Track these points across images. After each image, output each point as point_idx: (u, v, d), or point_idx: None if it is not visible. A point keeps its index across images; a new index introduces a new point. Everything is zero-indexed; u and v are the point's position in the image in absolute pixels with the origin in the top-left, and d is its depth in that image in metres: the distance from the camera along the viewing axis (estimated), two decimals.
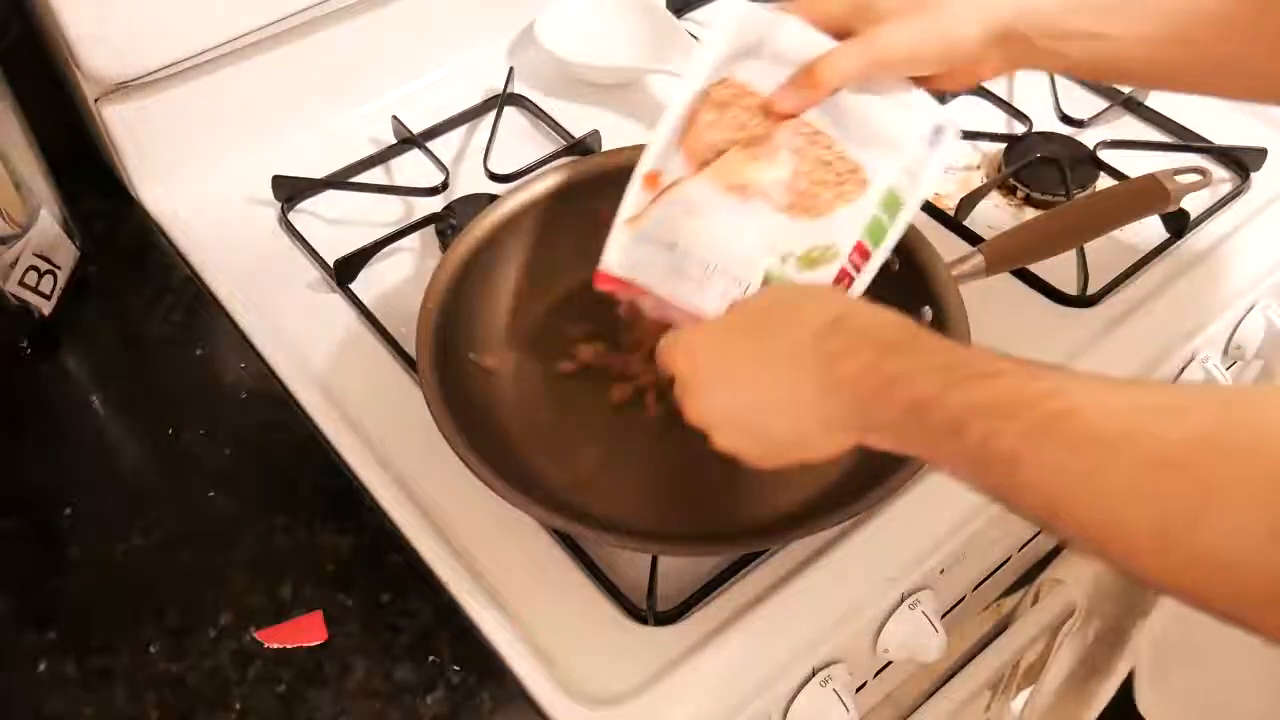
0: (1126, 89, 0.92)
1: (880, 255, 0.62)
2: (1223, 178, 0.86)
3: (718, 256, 0.60)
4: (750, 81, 0.61)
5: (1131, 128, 0.91)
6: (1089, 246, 0.78)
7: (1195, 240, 0.82)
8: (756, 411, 0.52)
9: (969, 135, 0.90)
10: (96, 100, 0.81)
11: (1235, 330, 0.81)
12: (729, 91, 0.61)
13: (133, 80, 0.79)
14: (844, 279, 0.60)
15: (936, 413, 0.44)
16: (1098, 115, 0.90)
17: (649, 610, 0.61)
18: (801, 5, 0.60)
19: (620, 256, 0.62)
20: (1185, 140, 0.89)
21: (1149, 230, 0.81)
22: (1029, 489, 0.41)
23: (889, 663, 0.69)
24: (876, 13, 0.58)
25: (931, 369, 0.45)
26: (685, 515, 0.66)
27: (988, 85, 0.94)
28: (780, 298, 0.55)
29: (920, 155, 0.61)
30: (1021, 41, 0.58)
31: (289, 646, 0.61)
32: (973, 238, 0.81)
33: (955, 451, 0.44)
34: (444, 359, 0.66)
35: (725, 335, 0.54)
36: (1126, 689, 0.86)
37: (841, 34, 0.59)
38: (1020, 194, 0.86)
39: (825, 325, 0.49)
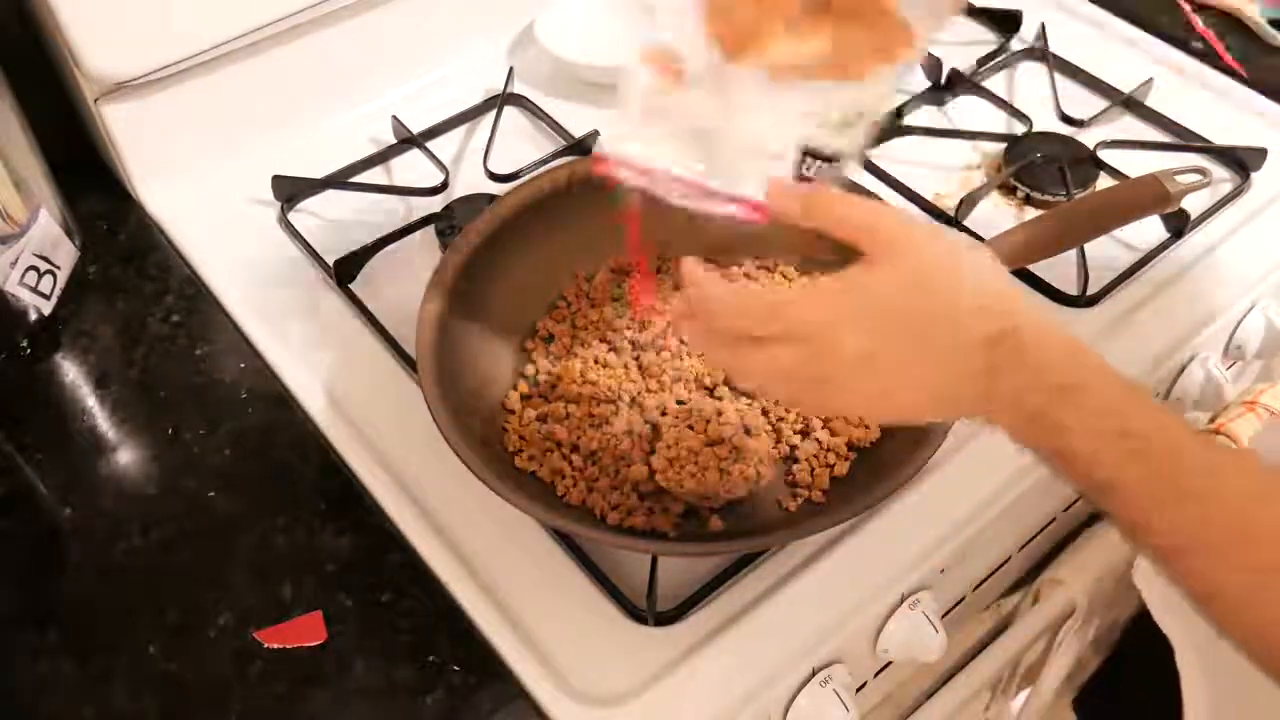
0: (1126, 89, 0.92)
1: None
2: (1223, 178, 0.86)
3: (753, 143, 0.56)
4: None
5: (1131, 128, 0.91)
6: (1089, 246, 0.78)
7: (1195, 240, 0.82)
8: (893, 388, 0.48)
9: (969, 135, 0.90)
10: (96, 100, 0.81)
11: (1235, 330, 0.81)
12: None
13: (133, 80, 0.79)
14: None
15: (1097, 472, 0.43)
16: (1098, 115, 0.90)
17: (649, 610, 0.61)
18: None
19: (638, 144, 0.56)
20: (1185, 140, 0.89)
21: (1149, 230, 0.81)
22: (1184, 575, 0.42)
23: (889, 663, 0.69)
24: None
25: (1099, 432, 0.43)
26: (685, 514, 0.66)
27: (987, 85, 0.94)
28: (950, 276, 0.48)
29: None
30: None
31: (289, 646, 0.61)
32: (973, 238, 0.81)
33: (1103, 503, 0.44)
34: (444, 359, 0.66)
35: (881, 291, 0.48)
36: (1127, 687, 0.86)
37: None
38: (1020, 194, 0.86)
39: (993, 336, 0.46)
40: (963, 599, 0.76)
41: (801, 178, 0.56)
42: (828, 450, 0.68)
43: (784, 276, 0.76)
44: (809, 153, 0.56)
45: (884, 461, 0.64)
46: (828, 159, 0.56)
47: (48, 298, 0.76)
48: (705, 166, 0.56)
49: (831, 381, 0.48)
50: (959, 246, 0.50)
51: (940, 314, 0.47)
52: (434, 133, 0.90)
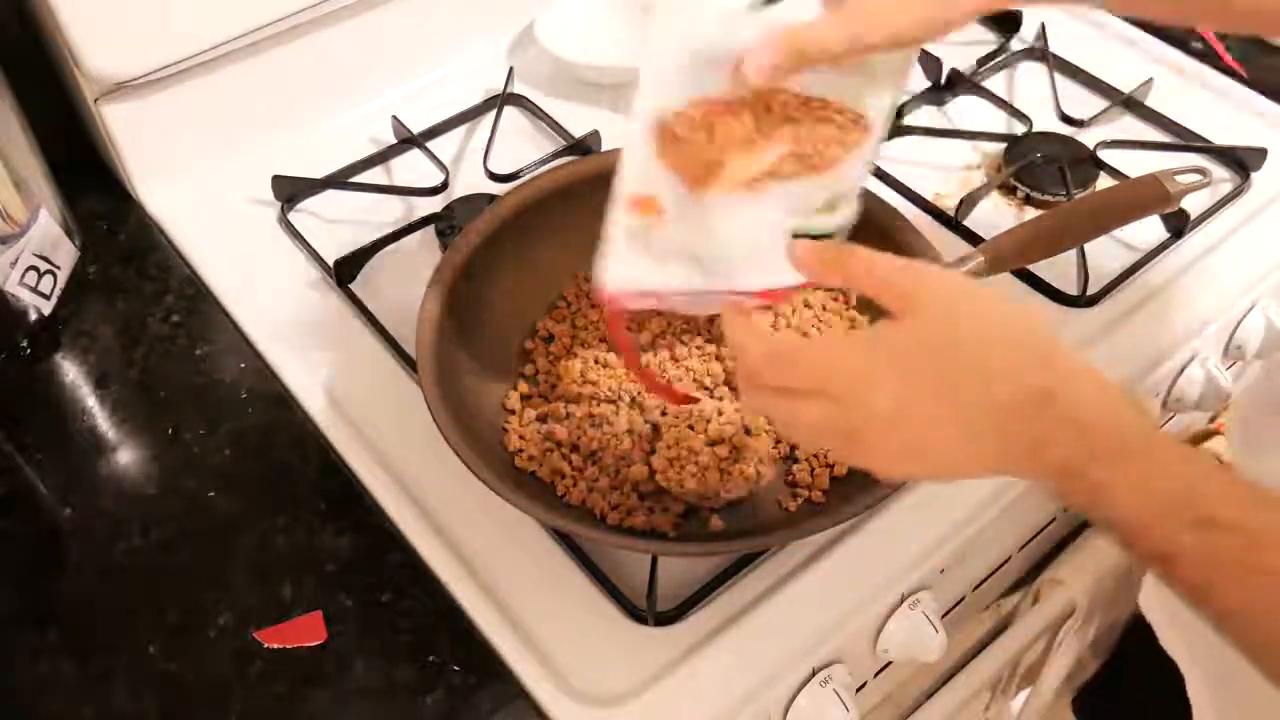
0: (1126, 89, 0.92)
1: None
2: (1223, 178, 0.86)
3: (747, 248, 0.57)
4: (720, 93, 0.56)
5: (1131, 128, 0.91)
6: (1089, 246, 0.78)
7: (1195, 240, 0.82)
8: (923, 445, 0.47)
9: (969, 135, 0.90)
10: (96, 100, 0.81)
11: (1235, 330, 0.81)
12: (700, 110, 0.56)
13: (133, 80, 0.79)
14: None
15: (1144, 541, 0.42)
16: (1098, 115, 0.90)
17: (649, 610, 0.61)
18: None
19: (636, 274, 0.58)
20: (1185, 140, 0.89)
21: (1149, 230, 0.81)
22: (1247, 646, 0.41)
23: (889, 663, 0.69)
24: None
25: (1145, 494, 0.42)
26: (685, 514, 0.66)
27: (987, 85, 0.94)
28: (988, 332, 0.47)
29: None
30: None
31: (289, 646, 0.61)
32: (973, 238, 0.81)
33: (1155, 570, 0.43)
34: (444, 359, 0.66)
35: (917, 349, 0.47)
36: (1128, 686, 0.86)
37: None
38: (1020, 194, 0.86)
39: (1037, 397, 0.44)
40: (963, 599, 0.76)
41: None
42: (828, 450, 0.68)
43: (824, 312, 0.75)
44: (800, 235, 0.56)
45: None
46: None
47: (48, 298, 0.76)
48: (705, 278, 0.57)
49: (861, 437, 0.48)
50: (994, 302, 0.48)
51: (972, 372, 0.46)
52: (434, 133, 0.90)
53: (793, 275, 0.56)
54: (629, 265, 0.57)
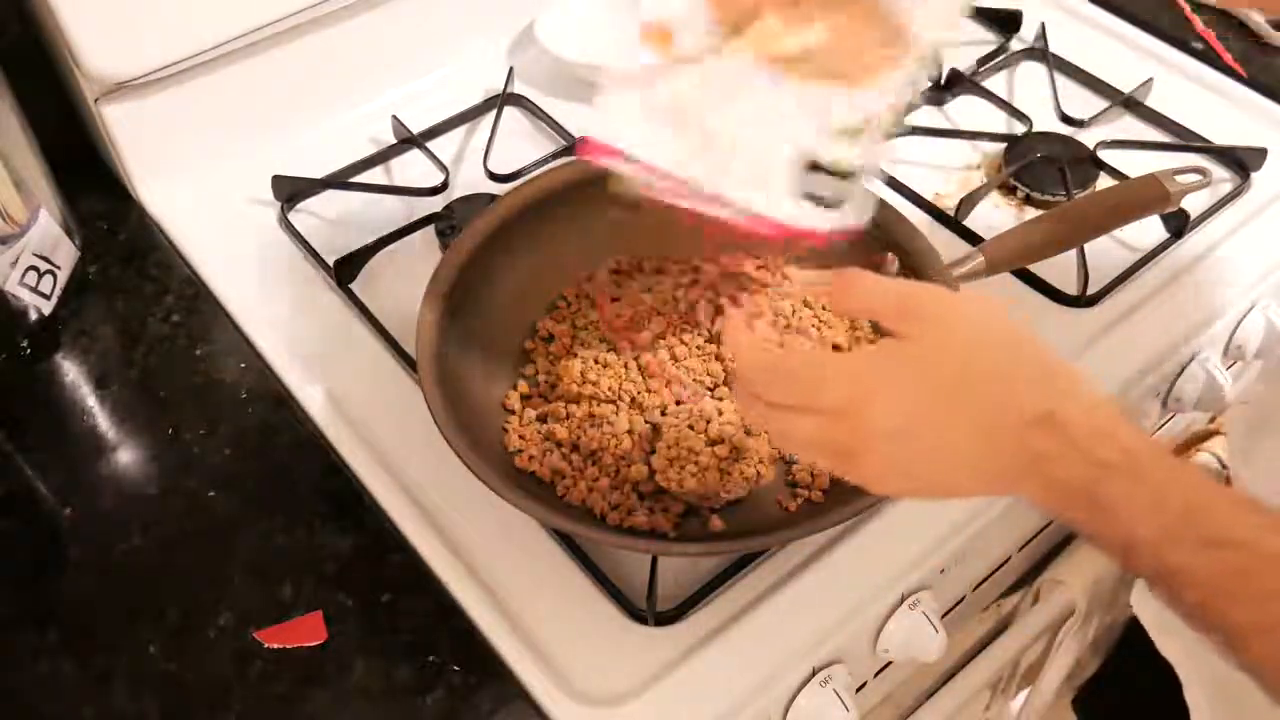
0: (1126, 89, 0.92)
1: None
2: (1223, 178, 0.86)
3: (745, 139, 0.53)
4: None
5: (1131, 128, 0.91)
6: (1089, 246, 0.78)
7: (1195, 240, 0.82)
8: (922, 465, 0.47)
9: (969, 135, 0.90)
10: (96, 100, 0.81)
11: (1235, 330, 0.81)
12: None
13: (133, 80, 0.79)
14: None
15: (1148, 559, 0.42)
16: (1098, 115, 0.90)
17: (649, 610, 0.61)
18: None
19: (621, 126, 0.53)
20: (1185, 140, 0.89)
21: (1149, 230, 0.81)
22: (1247, 664, 0.41)
23: (889, 663, 0.69)
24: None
25: (1151, 512, 0.42)
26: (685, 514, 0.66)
27: (987, 85, 0.94)
28: (981, 362, 0.47)
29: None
30: None
31: (289, 646, 0.61)
32: (973, 238, 0.81)
33: (1157, 590, 0.43)
34: (444, 359, 0.66)
35: (915, 368, 0.47)
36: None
37: None
38: (1020, 194, 0.86)
39: (1037, 417, 0.44)
40: (963, 599, 0.76)
41: (811, 197, 0.54)
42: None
43: (824, 311, 0.74)
44: (815, 166, 0.53)
45: None
46: (837, 174, 0.54)
47: (48, 298, 0.76)
48: (693, 164, 0.53)
49: (856, 455, 0.47)
50: (993, 321, 0.48)
51: (974, 395, 0.46)
52: (434, 133, 0.90)
53: (787, 214, 0.52)
54: (616, 112, 0.53)
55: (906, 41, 0.53)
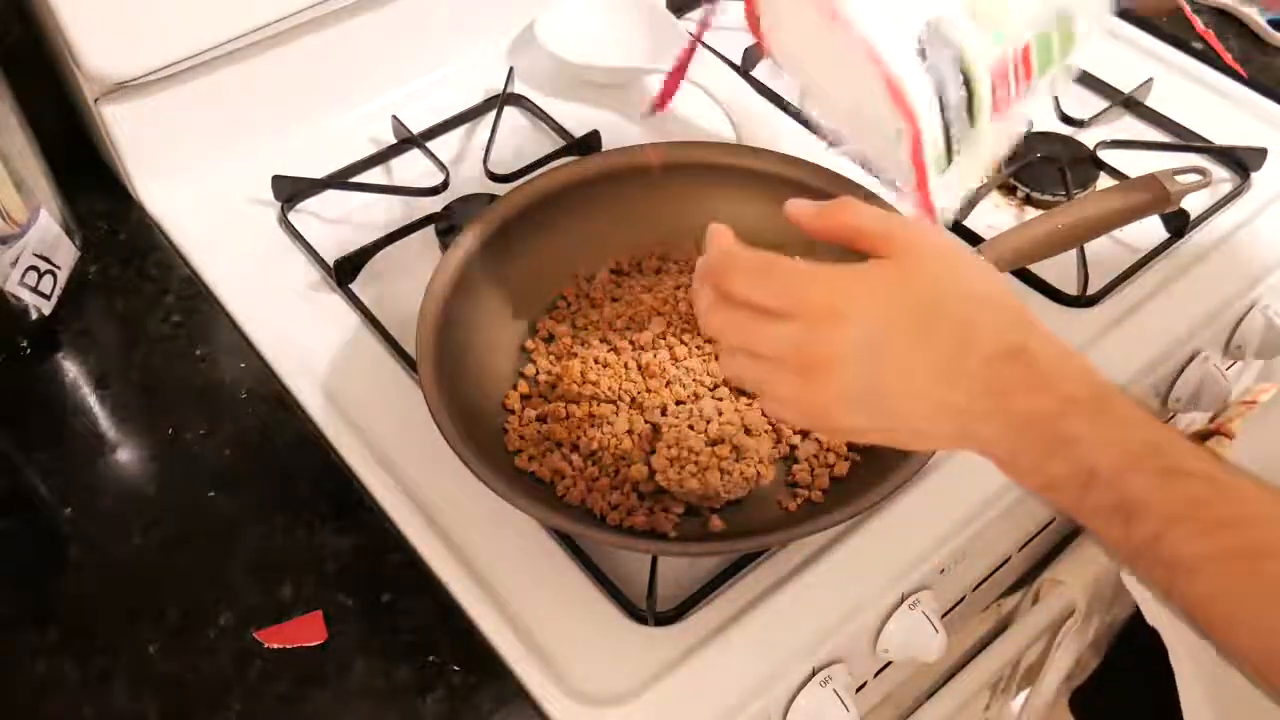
0: (1126, 89, 0.92)
1: (1035, 89, 0.57)
2: (1223, 178, 0.86)
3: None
4: None
5: (1131, 128, 0.91)
6: (1089, 246, 0.78)
7: (1195, 240, 0.82)
8: (888, 390, 0.47)
9: None
10: (96, 100, 0.81)
11: (1235, 330, 0.81)
12: None
13: (133, 80, 0.79)
14: (1000, 85, 0.55)
15: (1106, 491, 0.42)
16: (1098, 115, 0.90)
17: (649, 610, 0.61)
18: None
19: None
20: (1185, 140, 0.89)
21: (1149, 230, 0.81)
22: (1192, 600, 0.40)
23: (889, 663, 0.69)
24: None
25: (1115, 443, 0.42)
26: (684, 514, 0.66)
27: None
28: (958, 289, 0.47)
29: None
30: None
31: (289, 646, 0.61)
32: (973, 238, 0.81)
33: (1110, 529, 0.42)
34: (444, 359, 0.66)
35: (895, 288, 0.47)
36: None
37: None
38: (1020, 194, 0.86)
39: (1005, 350, 0.45)
40: (963, 599, 0.76)
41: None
42: (828, 450, 0.68)
43: None
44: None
45: (884, 461, 0.64)
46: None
47: (48, 298, 0.76)
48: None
49: (822, 372, 0.46)
50: (977, 262, 0.49)
51: (953, 321, 0.46)
52: (434, 133, 0.90)
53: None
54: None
55: None
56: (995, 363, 0.45)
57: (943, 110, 0.55)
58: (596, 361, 0.72)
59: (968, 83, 0.55)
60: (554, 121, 0.90)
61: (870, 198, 0.73)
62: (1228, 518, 0.40)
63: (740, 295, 0.48)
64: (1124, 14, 1.01)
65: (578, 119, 0.91)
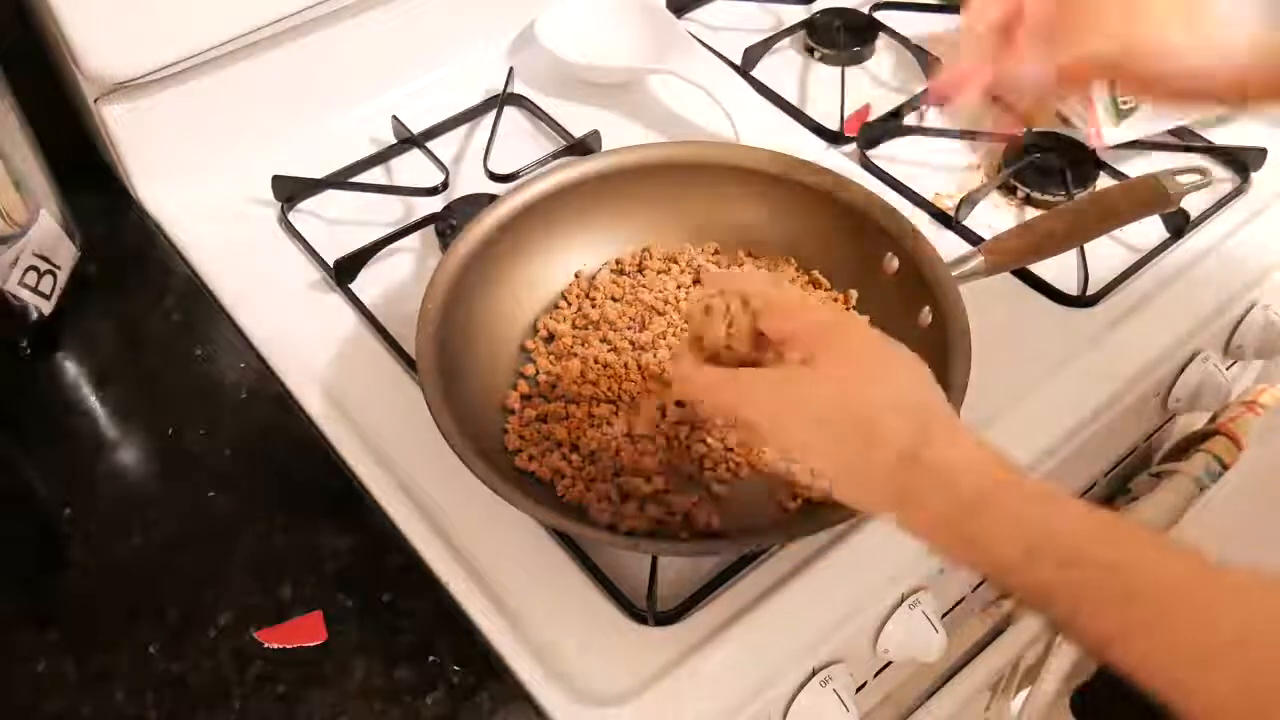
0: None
1: None
2: (1223, 178, 0.86)
3: None
4: None
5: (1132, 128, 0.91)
6: (1089, 246, 0.78)
7: (1195, 240, 0.82)
8: (821, 463, 0.51)
9: (969, 135, 0.90)
10: (96, 100, 0.81)
11: (1235, 330, 0.81)
12: None
13: (133, 80, 0.79)
14: None
15: (1020, 578, 0.44)
16: None
17: (649, 610, 0.61)
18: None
19: None
20: (1185, 140, 0.89)
21: (1149, 230, 0.81)
22: (1121, 665, 0.42)
23: (889, 663, 0.69)
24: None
25: (1015, 539, 0.44)
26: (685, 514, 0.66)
27: None
28: (861, 394, 0.49)
29: None
30: None
31: (289, 646, 0.61)
32: (973, 238, 0.81)
33: (1037, 608, 0.45)
34: (444, 359, 0.66)
35: (805, 400, 0.50)
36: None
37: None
38: (1020, 194, 0.86)
39: (902, 457, 0.47)
40: (963, 599, 0.76)
41: None
42: None
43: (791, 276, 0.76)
44: None
45: None
46: None
47: (48, 298, 0.76)
48: None
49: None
50: (886, 360, 0.51)
51: (856, 429, 0.48)
52: (434, 133, 0.90)
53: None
54: None
55: None
56: (897, 470, 0.47)
57: None
58: (596, 361, 0.72)
59: None
60: (554, 121, 0.90)
61: (869, 196, 0.73)
62: (1132, 589, 0.42)
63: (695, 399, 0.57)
64: None
65: (578, 119, 0.91)
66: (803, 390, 0.50)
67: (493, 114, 0.90)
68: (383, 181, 0.88)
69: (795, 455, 0.51)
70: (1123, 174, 0.85)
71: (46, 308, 0.76)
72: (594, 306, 0.75)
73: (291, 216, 0.84)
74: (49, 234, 0.76)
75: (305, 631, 0.61)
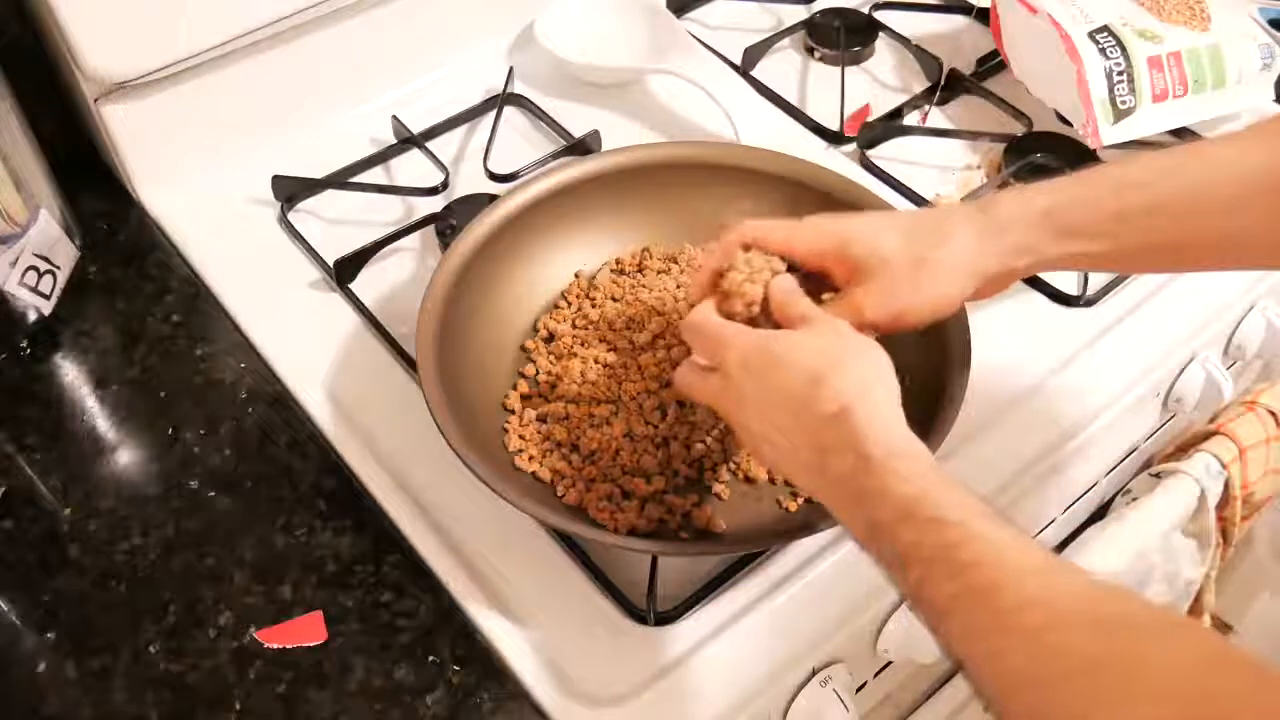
0: None
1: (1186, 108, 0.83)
2: None
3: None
4: None
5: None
6: None
7: None
8: (763, 434, 0.54)
9: (969, 135, 0.90)
10: (96, 100, 0.81)
11: (1235, 330, 0.81)
12: None
13: (133, 80, 0.79)
14: (1158, 73, 0.81)
15: (886, 541, 0.47)
16: None
17: (649, 610, 0.61)
18: (785, 236, 0.59)
19: None
20: (1184, 140, 0.89)
21: None
22: (950, 639, 0.44)
23: (889, 663, 0.69)
24: (862, 270, 0.57)
25: (893, 496, 0.47)
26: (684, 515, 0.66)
27: (987, 85, 0.94)
28: (805, 365, 0.52)
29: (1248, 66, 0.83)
30: (1010, 275, 0.58)
31: (289, 646, 0.61)
32: None
33: (895, 577, 0.47)
34: (444, 359, 0.66)
35: (747, 401, 0.54)
36: None
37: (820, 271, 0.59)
38: None
39: (829, 418, 0.50)
40: None
41: None
42: None
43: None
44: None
45: None
46: None
47: (48, 298, 0.76)
48: None
49: (743, 430, 0.56)
50: (792, 368, 0.53)
51: (791, 397, 0.51)
52: (434, 133, 0.90)
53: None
54: None
55: (1205, 19, 0.82)
56: (821, 430, 0.50)
57: (1108, 76, 0.81)
58: (596, 361, 0.72)
59: (1125, 56, 0.81)
60: (554, 121, 0.90)
61: (869, 197, 0.73)
62: (972, 559, 0.43)
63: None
64: None
65: (578, 119, 0.91)
66: (746, 396, 0.54)
67: (493, 114, 0.90)
68: (383, 181, 0.88)
69: (753, 439, 0.54)
70: None
71: (46, 308, 0.76)
72: (594, 306, 0.75)
73: (291, 216, 0.84)
74: (49, 234, 0.76)
75: (305, 631, 0.62)
